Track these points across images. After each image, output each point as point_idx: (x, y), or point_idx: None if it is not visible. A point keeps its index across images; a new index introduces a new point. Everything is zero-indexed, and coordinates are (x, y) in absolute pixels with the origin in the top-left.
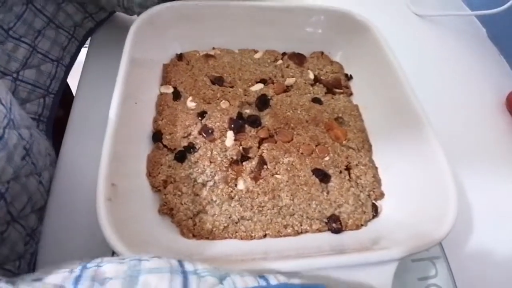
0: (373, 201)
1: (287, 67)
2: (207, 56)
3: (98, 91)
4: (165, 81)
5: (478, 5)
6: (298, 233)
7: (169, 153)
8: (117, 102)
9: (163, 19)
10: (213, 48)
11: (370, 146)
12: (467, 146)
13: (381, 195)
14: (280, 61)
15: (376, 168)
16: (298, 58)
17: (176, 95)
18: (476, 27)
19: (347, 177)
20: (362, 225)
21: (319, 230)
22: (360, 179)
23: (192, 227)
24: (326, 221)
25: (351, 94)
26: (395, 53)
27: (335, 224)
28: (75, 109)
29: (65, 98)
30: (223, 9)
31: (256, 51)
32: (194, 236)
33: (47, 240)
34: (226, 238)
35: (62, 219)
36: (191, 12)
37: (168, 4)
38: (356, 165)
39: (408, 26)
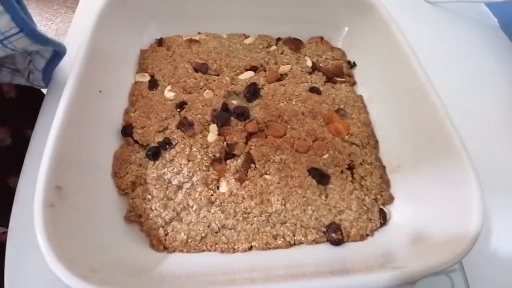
0: (381, 207)
1: (281, 53)
2: (191, 41)
3: None
4: (141, 68)
5: None
6: (290, 244)
7: (141, 150)
8: (70, 90)
9: None
10: (199, 33)
11: (376, 142)
12: (479, 137)
13: (390, 199)
14: (273, 47)
15: (384, 167)
16: (294, 44)
17: (153, 84)
18: (487, 16)
19: (350, 178)
20: (367, 235)
21: (315, 241)
22: (365, 180)
23: (164, 237)
24: (325, 230)
25: (354, 83)
26: (405, 34)
27: (335, 234)
28: (45, 107)
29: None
30: None
31: (247, 36)
32: (165, 248)
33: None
34: (203, 251)
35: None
36: None
37: None
38: (360, 163)
39: (419, 14)
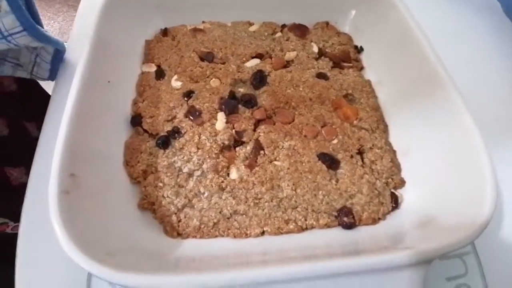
0: (392, 190)
1: (287, 40)
2: (196, 30)
3: None
4: (147, 59)
5: None
6: (302, 229)
7: (150, 139)
8: (79, 81)
9: None
10: (203, 22)
11: (386, 126)
12: (486, 124)
13: (402, 182)
14: (279, 34)
15: (394, 151)
16: (300, 30)
17: (160, 74)
18: (490, 1)
19: (360, 163)
20: (379, 218)
21: (327, 226)
22: (376, 164)
23: (177, 224)
24: (336, 214)
25: (362, 68)
26: (414, 15)
27: (346, 218)
28: (51, 110)
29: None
30: None
31: (251, 24)
32: (179, 234)
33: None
34: (216, 236)
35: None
36: None
37: None
38: (370, 148)
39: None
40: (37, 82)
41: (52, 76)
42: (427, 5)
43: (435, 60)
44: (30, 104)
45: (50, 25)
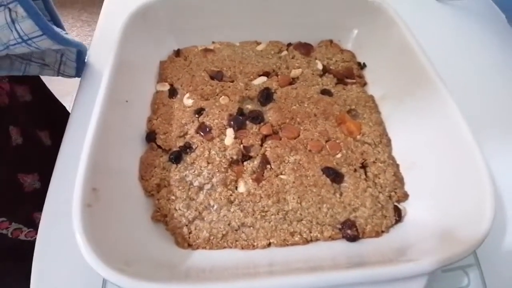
0: (395, 204)
1: (292, 58)
2: (206, 50)
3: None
4: (161, 78)
5: None
6: (307, 241)
7: (164, 154)
8: (102, 101)
9: (156, 13)
10: (213, 42)
11: (389, 140)
12: (491, 137)
13: (405, 196)
14: (284, 52)
15: (398, 165)
16: (305, 48)
17: (172, 93)
18: (496, 12)
19: (363, 176)
20: (383, 231)
21: (331, 238)
22: (379, 178)
23: (188, 235)
24: (340, 227)
25: (365, 84)
26: (414, 33)
27: (350, 231)
28: (71, 121)
29: (33, 84)
30: None
31: (258, 43)
32: (189, 245)
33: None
34: (225, 247)
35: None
36: (187, 4)
37: None
38: (374, 162)
39: (427, 12)
40: (51, 93)
41: (79, 73)
42: (431, 17)
43: (434, 76)
44: (43, 114)
45: None
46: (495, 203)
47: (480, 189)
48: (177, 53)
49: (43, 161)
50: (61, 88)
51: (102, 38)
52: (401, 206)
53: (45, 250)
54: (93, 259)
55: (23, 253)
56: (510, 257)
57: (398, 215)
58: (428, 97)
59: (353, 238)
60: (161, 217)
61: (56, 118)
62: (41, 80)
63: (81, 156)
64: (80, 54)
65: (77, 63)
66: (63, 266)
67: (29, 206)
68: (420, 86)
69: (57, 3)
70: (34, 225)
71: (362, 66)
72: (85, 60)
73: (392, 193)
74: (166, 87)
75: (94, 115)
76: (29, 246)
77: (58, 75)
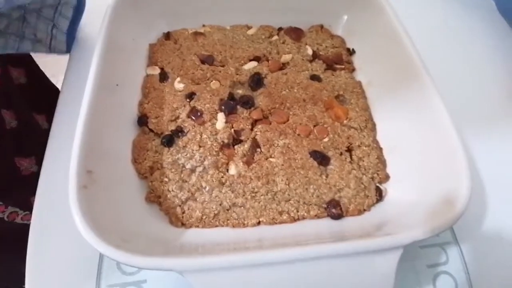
0: (377, 184)
1: (283, 43)
2: (196, 34)
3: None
4: (151, 62)
5: None
6: (294, 219)
7: (156, 138)
8: (92, 85)
9: None
10: (203, 26)
11: (374, 125)
12: (478, 123)
13: (386, 177)
14: (275, 37)
15: (381, 149)
16: (295, 33)
17: (163, 77)
18: (486, 1)
19: (348, 159)
20: (364, 210)
21: (317, 216)
22: (363, 161)
23: (181, 215)
24: (325, 206)
25: (353, 70)
26: (403, 21)
27: (334, 210)
28: (61, 102)
29: (28, 67)
30: None
31: (249, 27)
32: (183, 224)
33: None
34: (217, 226)
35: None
36: None
37: None
38: (359, 146)
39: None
40: (46, 76)
41: (69, 48)
42: (422, 4)
43: (419, 63)
44: (40, 97)
45: None
46: (471, 183)
47: (456, 170)
48: (167, 36)
49: (40, 145)
50: (48, 70)
51: (91, 16)
52: (382, 186)
53: (41, 231)
54: (91, 236)
55: (19, 236)
56: (489, 236)
57: (379, 194)
58: (412, 84)
59: (337, 216)
60: (155, 198)
61: (52, 101)
62: (35, 63)
63: (74, 139)
64: (78, 12)
65: (67, 35)
66: (59, 247)
67: (26, 190)
68: (405, 74)
69: None
70: (30, 209)
71: (351, 52)
72: (76, 32)
73: (375, 175)
74: (156, 71)
75: (85, 100)
76: (26, 229)
77: (50, 52)
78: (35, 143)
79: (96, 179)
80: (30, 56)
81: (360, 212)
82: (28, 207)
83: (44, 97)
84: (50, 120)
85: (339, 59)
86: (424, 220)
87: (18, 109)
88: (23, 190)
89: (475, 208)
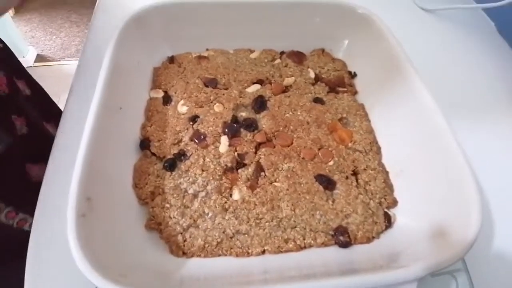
0: (385, 210)
1: (285, 66)
2: (200, 57)
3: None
4: (155, 85)
5: None
6: (301, 248)
7: (158, 162)
8: (95, 109)
9: (151, 20)
10: (207, 49)
11: (379, 148)
12: (480, 145)
13: (394, 202)
14: (278, 60)
15: (387, 172)
16: (298, 57)
17: (166, 99)
18: (484, 21)
19: (355, 183)
20: (373, 237)
21: (324, 244)
22: (369, 185)
23: (182, 243)
24: (333, 233)
25: (355, 92)
26: (402, 45)
27: (342, 237)
28: (65, 123)
29: (29, 79)
30: (216, 7)
31: (252, 51)
32: (184, 253)
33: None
34: (220, 255)
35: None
36: (182, 11)
37: (157, 3)
38: (364, 169)
39: (414, 21)
40: (44, 90)
41: None
42: (421, 27)
43: (420, 86)
44: (46, 107)
45: (52, 41)
46: (482, 210)
47: (466, 196)
48: (171, 59)
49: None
50: (50, 89)
51: (95, 41)
52: (390, 212)
53: (39, 250)
54: (88, 270)
55: (26, 243)
56: (497, 261)
57: (388, 221)
58: (414, 107)
59: (345, 244)
60: (156, 225)
61: (58, 112)
62: (33, 78)
63: (75, 164)
64: None
65: None
66: (57, 268)
67: (35, 196)
68: (407, 98)
69: (46, 4)
70: None
71: (353, 75)
72: None
73: (382, 200)
74: (160, 94)
75: (89, 122)
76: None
77: None
78: (45, 150)
79: (95, 206)
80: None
81: (369, 239)
82: None
83: (48, 107)
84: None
85: (341, 82)
86: (436, 249)
87: (28, 116)
88: (33, 197)
89: (484, 234)
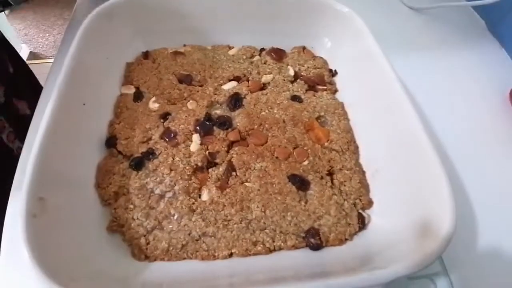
0: (360, 211)
1: (264, 63)
2: (176, 53)
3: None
4: (127, 81)
5: None
6: (270, 250)
7: (124, 161)
8: (52, 104)
9: (123, 14)
10: (184, 45)
11: (356, 147)
12: (468, 143)
13: (369, 203)
14: (257, 57)
15: (364, 172)
16: (277, 54)
17: (138, 96)
18: (474, 19)
19: (329, 184)
20: (346, 239)
21: (295, 247)
22: (344, 185)
23: (145, 246)
24: (304, 235)
25: (335, 91)
26: (381, 45)
27: (313, 239)
28: (33, 123)
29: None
30: (193, 1)
31: (231, 47)
32: (146, 257)
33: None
34: (184, 258)
35: None
36: (157, 4)
37: None
38: (340, 169)
39: (401, 20)
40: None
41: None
42: (406, 24)
43: (398, 87)
44: (24, 86)
45: (45, 38)
46: (455, 207)
47: (440, 194)
48: (146, 55)
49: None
50: None
51: (70, 39)
52: (365, 213)
53: (9, 250)
54: (36, 272)
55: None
56: (479, 263)
57: (362, 222)
58: (392, 108)
59: (316, 247)
60: (118, 227)
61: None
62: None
63: (28, 161)
64: None
65: None
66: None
67: None
68: (386, 97)
69: (40, 1)
70: None
71: (333, 73)
72: None
73: (357, 201)
74: (131, 90)
75: (44, 120)
76: None
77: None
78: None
79: (50, 207)
80: (35, 87)
81: (342, 241)
82: None
83: (28, 86)
84: (32, 107)
85: (321, 80)
86: (408, 252)
87: (29, 101)
88: None
89: (464, 236)
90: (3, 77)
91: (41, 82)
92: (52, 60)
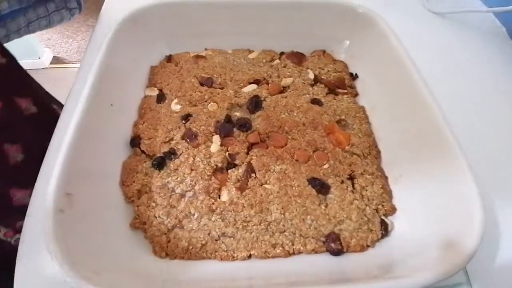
0: (382, 217)
1: (284, 66)
2: (198, 57)
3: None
4: (150, 83)
5: (494, 2)
6: (289, 254)
7: (147, 160)
8: (83, 104)
9: (149, 19)
10: (205, 49)
11: (378, 152)
12: (489, 151)
13: (392, 210)
14: (277, 61)
15: (386, 177)
16: (297, 57)
17: (161, 98)
18: (495, 25)
19: (350, 188)
20: (368, 246)
21: (315, 251)
22: (366, 190)
23: (166, 244)
24: (324, 240)
25: (356, 94)
26: (406, 47)
27: (334, 244)
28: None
29: (35, 96)
30: (215, 6)
31: (251, 51)
32: (167, 255)
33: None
34: (203, 258)
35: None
36: (180, 10)
37: (153, 4)
38: (361, 174)
39: (423, 25)
40: (57, 102)
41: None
42: (429, 30)
43: (423, 89)
44: (46, 128)
45: (69, 44)
46: (485, 219)
47: (468, 205)
48: (169, 58)
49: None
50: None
51: (96, 45)
52: (388, 220)
53: (28, 253)
54: (60, 264)
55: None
56: (502, 275)
57: (385, 229)
58: (417, 111)
59: (336, 252)
60: (140, 224)
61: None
62: (43, 90)
63: (57, 157)
64: None
65: None
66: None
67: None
68: (410, 101)
69: None
70: None
71: (354, 77)
72: None
73: (379, 206)
74: (154, 92)
75: (74, 118)
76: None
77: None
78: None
79: (77, 202)
80: (36, 83)
81: (363, 248)
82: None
83: (50, 128)
84: None
85: (342, 83)
86: (433, 261)
87: (26, 141)
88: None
89: (488, 246)
90: None
91: (62, 85)
92: (75, 65)
